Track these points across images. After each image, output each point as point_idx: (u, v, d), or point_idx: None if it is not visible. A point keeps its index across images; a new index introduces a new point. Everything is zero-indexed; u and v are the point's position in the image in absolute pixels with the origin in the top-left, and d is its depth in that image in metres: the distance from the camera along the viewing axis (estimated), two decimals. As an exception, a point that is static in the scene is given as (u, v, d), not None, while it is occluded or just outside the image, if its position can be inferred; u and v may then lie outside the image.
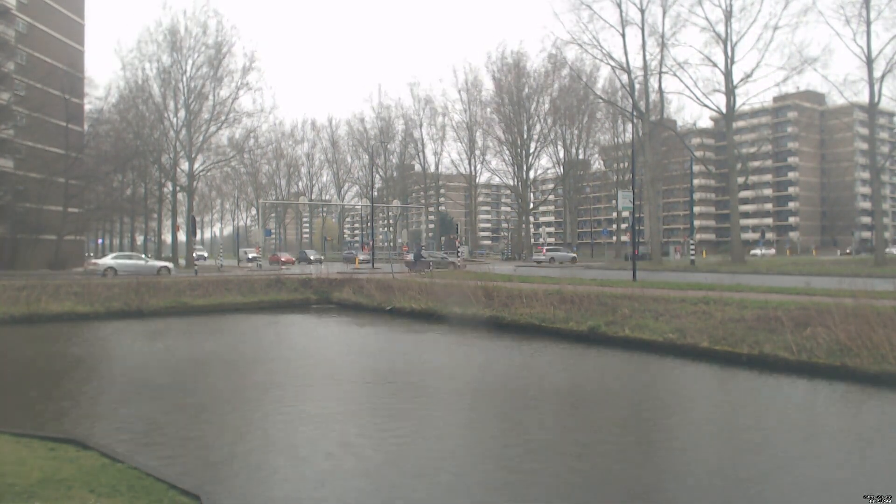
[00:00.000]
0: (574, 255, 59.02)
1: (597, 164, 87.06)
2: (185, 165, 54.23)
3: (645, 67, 47.18)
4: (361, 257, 52.65)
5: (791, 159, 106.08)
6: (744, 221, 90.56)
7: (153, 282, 26.70)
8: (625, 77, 48.49)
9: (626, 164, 64.22)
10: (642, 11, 46.20)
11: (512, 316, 19.45)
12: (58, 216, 44.58)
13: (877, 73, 39.38)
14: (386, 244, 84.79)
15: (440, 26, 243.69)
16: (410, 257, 46.40)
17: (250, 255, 60.58)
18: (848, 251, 79.67)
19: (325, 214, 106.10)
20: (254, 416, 10.41)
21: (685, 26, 45.60)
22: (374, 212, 63.14)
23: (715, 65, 44.49)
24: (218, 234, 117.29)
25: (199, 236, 65.52)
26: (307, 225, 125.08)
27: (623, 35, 47.45)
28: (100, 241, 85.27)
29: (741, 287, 20.33)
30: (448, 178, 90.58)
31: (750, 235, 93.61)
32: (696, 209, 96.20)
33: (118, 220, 68.95)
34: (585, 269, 43.03)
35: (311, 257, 63.49)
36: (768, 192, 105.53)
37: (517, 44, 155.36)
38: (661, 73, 47.38)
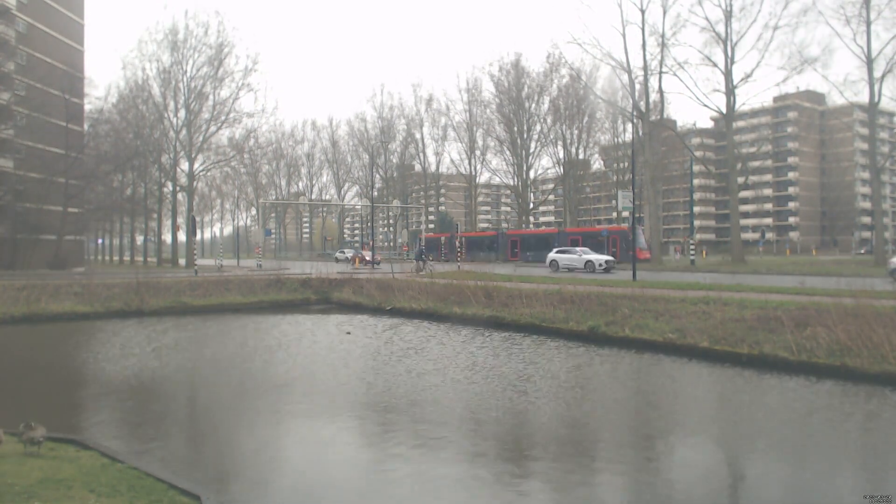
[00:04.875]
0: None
1: (597, 164, 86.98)
2: (185, 165, 54.29)
3: (645, 67, 47.17)
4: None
5: (791, 159, 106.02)
6: (744, 221, 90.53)
7: (153, 282, 26.69)
8: (625, 77, 48.49)
9: (626, 164, 64.14)
10: (642, 11, 46.21)
11: (512, 316, 19.44)
12: (58, 216, 44.60)
13: (877, 73, 39.39)
14: (386, 244, 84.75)
15: (442, 26, 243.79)
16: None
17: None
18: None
19: (325, 214, 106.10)
20: (254, 419, 10.41)
21: (685, 26, 45.53)
22: (374, 212, 63.07)
23: (715, 65, 44.46)
24: (218, 234, 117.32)
25: (198, 236, 65.21)
26: (307, 225, 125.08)
27: (623, 35, 47.46)
28: (100, 241, 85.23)
29: (741, 287, 20.33)
30: (448, 177, 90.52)
31: (750, 235, 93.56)
32: (696, 209, 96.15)
33: (118, 220, 68.89)
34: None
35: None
36: (768, 192, 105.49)
37: (517, 43, 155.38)
38: (661, 72, 47.33)
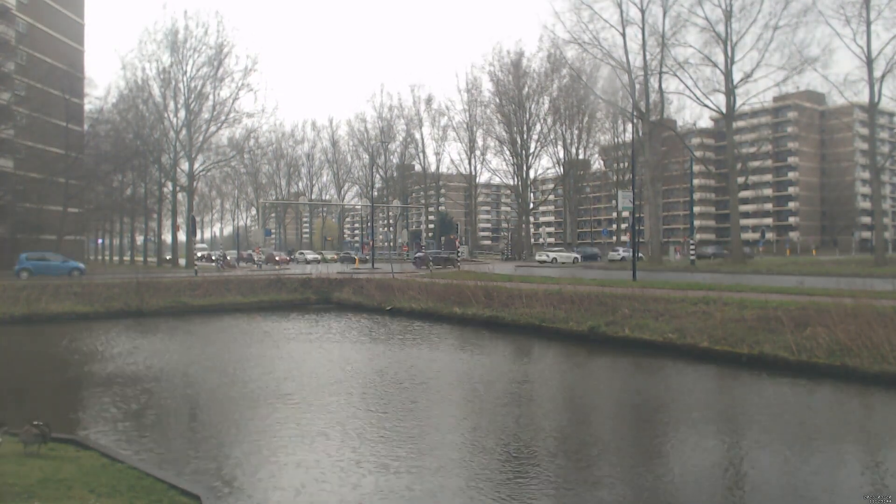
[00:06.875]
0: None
1: (597, 164, 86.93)
2: (185, 165, 54.24)
3: (645, 67, 47.09)
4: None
5: (791, 159, 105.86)
6: (744, 221, 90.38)
7: (153, 282, 26.72)
8: (625, 77, 48.37)
9: (626, 164, 64.11)
10: (643, 11, 46.14)
11: (512, 316, 19.45)
12: (58, 216, 44.55)
13: (877, 73, 39.26)
14: (386, 244, 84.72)
15: (442, 27, 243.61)
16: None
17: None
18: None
19: (325, 214, 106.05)
20: (252, 420, 10.40)
21: (685, 26, 45.19)
22: (374, 212, 63.05)
23: (715, 65, 44.36)
24: (218, 234, 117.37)
25: (199, 236, 65.10)
26: (307, 225, 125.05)
27: (623, 35, 47.33)
28: (100, 241, 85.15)
29: (741, 287, 20.31)
30: (448, 177, 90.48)
31: (750, 235, 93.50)
32: (696, 209, 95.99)
33: (118, 220, 68.83)
34: (585, 269, 43.03)
35: (308, 257, 61.89)
36: (768, 192, 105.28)
37: (517, 43, 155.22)
38: (661, 72, 47.23)
